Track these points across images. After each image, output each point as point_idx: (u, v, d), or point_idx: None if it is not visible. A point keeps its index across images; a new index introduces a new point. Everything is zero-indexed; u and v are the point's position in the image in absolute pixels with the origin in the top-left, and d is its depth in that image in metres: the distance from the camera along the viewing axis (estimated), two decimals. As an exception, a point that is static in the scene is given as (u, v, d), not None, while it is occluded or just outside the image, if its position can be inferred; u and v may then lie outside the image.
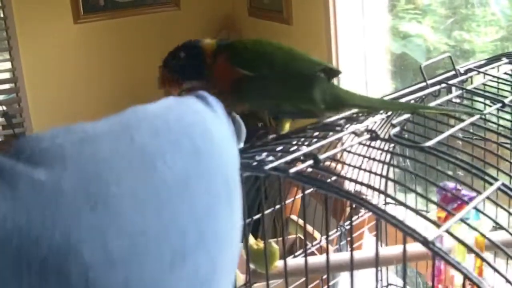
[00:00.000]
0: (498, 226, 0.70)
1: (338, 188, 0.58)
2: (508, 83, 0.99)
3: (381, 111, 0.83)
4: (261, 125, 0.86)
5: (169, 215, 0.44)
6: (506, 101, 0.86)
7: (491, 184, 0.64)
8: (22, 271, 0.36)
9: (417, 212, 0.59)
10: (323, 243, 1.24)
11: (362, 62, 2.66)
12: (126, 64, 3.71)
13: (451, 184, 0.99)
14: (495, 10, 2.16)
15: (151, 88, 3.07)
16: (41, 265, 0.37)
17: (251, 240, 1.03)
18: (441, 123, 0.82)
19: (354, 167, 0.69)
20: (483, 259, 0.57)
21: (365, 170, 0.71)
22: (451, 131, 0.73)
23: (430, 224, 0.57)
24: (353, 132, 0.72)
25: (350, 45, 2.64)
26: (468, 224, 0.63)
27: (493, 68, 1.05)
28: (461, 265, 0.52)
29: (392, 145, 0.92)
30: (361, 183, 0.61)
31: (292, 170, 0.62)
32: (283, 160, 0.65)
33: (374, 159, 0.75)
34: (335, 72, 0.85)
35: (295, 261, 1.08)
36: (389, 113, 0.83)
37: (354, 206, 0.86)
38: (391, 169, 1.12)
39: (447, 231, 0.55)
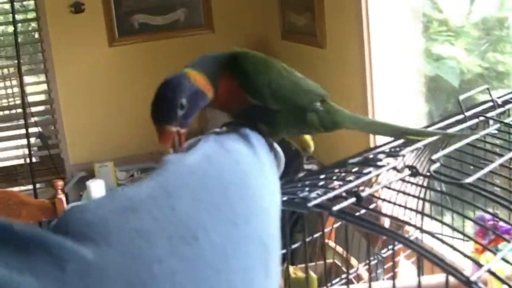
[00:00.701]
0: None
1: (381, 227, 0.60)
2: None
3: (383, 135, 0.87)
4: (294, 149, 0.88)
5: None
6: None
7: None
8: None
9: (459, 251, 0.60)
10: (360, 270, 1.25)
11: (395, 84, 2.66)
12: (160, 86, 3.75)
13: (488, 216, 0.99)
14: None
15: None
16: None
17: (290, 269, 1.04)
18: (477, 157, 0.83)
19: (394, 204, 0.70)
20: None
21: (405, 207, 0.72)
22: (491, 166, 0.74)
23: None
24: (394, 168, 0.73)
25: (384, 68, 2.65)
26: (507, 261, 0.64)
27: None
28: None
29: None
30: (403, 222, 0.62)
31: (336, 208, 0.64)
32: (325, 197, 0.66)
33: (414, 196, 0.77)
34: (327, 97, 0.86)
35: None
36: (422, 143, 0.84)
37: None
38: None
39: (490, 271, 0.56)
